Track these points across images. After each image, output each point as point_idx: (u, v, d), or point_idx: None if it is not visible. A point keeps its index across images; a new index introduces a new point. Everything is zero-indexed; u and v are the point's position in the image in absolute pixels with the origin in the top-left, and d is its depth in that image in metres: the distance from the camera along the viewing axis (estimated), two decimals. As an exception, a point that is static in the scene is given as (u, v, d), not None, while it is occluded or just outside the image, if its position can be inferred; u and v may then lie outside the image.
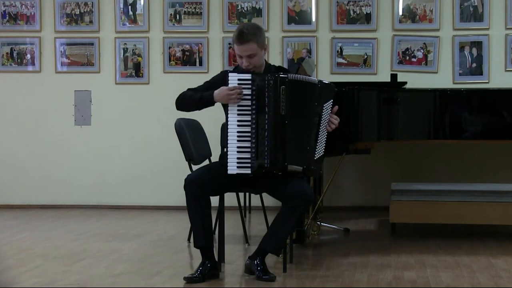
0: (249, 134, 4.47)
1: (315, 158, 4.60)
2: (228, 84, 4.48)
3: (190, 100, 4.64)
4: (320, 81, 4.62)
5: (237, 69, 4.67)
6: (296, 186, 4.47)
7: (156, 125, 7.55)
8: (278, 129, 4.47)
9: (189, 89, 4.69)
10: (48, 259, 5.11)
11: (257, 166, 4.45)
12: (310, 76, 6.25)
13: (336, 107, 4.66)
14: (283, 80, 4.47)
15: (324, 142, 4.64)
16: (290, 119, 4.49)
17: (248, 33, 4.50)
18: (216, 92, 4.52)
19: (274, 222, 4.54)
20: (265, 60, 4.68)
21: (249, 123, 4.47)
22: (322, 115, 4.59)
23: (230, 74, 4.52)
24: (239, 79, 4.48)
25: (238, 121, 4.47)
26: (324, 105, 4.60)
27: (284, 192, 4.49)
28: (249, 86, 4.47)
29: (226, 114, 4.54)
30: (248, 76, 4.49)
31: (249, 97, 4.47)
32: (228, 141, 4.48)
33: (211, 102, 4.58)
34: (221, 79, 4.61)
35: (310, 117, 4.56)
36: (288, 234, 4.66)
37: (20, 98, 7.69)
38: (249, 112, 4.47)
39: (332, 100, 4.64)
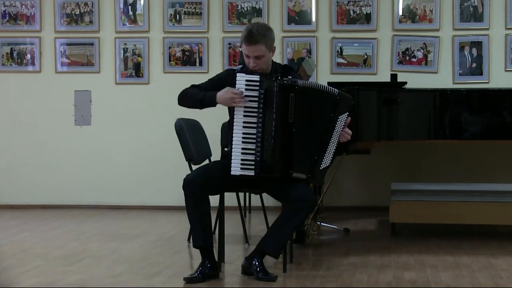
0: (254, 137, 4.39)
1: (321, 168, 4.52)
2: (235, 84, 4.39)
3: (192, 98, 4.53)
4: (340, 93, 4.47)
5: (244, 69, 4.53)
6: (299, 190, 4.41)
7: (156, 125, 7.55)
8: (285, 137, 4.38)
9: (192, 85, 4.60)
10: (48, 259, 5.10)
11: (261, 170, 4.39)
12: (310, 76, 6.25)
13: (349, 119, 4.54)
14: (293, 87, 4.36)
15: (333, 153, 4.53)
16: (298, 127, 4.39)
17: (258, 34, 4.39)
18: (219, 94, 4.41)
19: (275, 224, 4.49)
20: (272, 60, 4.57)
21: (255, 125, 4.39)
22: (336, 126, 4.47)
23: (238, 74, 4.41)
24: (247, 80, 4.39)
25: (244, 122, 4.39)
26: (339, 117, 4.48)
27: (286, 195, 4.44)
28: (257, 88, 4.38)
29: (231, 114, 4.44)
30: (256, 77, 4.39)
31: (256, 99, 4.38)
32: (233, 142, 4.40)
33: (212, 103, 4.47)
34: (225, 77, 4.52)
35: (322, 127, 4.44)
36: (288, 238, 4.62)
37: (20, 98, 7.69)
38: (256, 114, 4.38)
39: (347, 113, 4.52)
